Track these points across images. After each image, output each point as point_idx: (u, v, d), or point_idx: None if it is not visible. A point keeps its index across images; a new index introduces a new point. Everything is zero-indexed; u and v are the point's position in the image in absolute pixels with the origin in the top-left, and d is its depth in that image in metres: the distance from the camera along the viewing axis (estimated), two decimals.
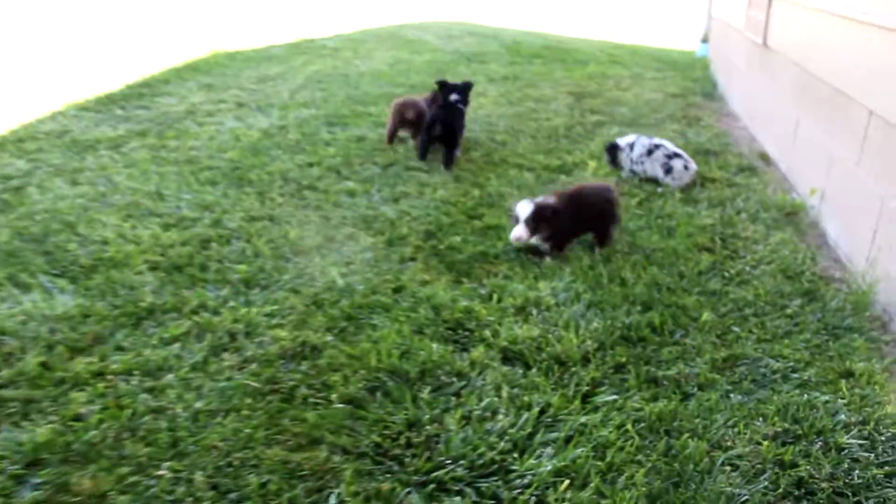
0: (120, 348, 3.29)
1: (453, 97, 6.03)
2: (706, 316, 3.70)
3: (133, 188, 5.23)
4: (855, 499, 2.58)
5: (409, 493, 2.51)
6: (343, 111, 7.67)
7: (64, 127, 6.78)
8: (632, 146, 5.86)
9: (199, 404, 2.91)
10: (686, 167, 5.68)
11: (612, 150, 5.98)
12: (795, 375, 3.27)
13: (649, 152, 5.76)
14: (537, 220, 4.29)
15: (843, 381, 3.22)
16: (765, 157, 6.66)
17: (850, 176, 4.58)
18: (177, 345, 3.32)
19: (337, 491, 2.50)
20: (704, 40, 12.77)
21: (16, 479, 2.51)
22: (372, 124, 7.10)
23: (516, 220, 4.31)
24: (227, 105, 7.85)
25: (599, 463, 2.67)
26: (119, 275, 3.94)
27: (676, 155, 5.73)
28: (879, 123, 4.17)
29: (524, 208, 4.29)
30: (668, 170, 5.68)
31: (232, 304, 3.67)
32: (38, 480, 2.50)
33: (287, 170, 5.74)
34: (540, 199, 4.42)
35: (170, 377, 3.08)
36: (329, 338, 3.40)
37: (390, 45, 12.91)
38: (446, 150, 5.91)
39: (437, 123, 5.89)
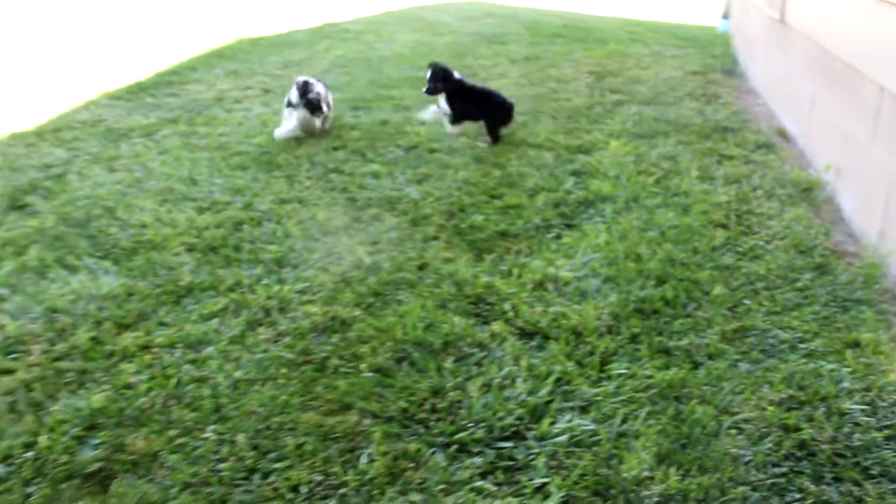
0: (163, 324, 3.53)
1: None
2: (718, 289, 3.85)
3: (167, 174, 5.46)
4: (854, 459, 2.72)
5: (433, 453, 2.71)
6: (367, 95, 7.84)
7: (98, 116, 7.03)
8: None
9: (238, 374, 3.14)
10: None
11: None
12: (803, 345, 3.40)
13: None
14: None
15: (849, 351, 3.35)
16: (783, 134, 6.74)
17: (864, 152, 4.68)
18: (215, 320, 3.55)
19: (368, 451, 2.71)
20: (725, 16, 12.76)
21: (78, 439, 2.75)
22: (395, 107, 7.28)
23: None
24: (254, 91, 8.06)
25: (612, 427, 2.85)
26: (158, 256, 4.16)
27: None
28: (890, 100, 4.27)
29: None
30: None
31: (265, 282, 3.89)
32: (97, 441, 2.74)
33: (314, 154, 5.94)
34: None
35: (210, 349, 3.31)
36: (357, 312, 3.61)
37: (411, 27, 13.05)
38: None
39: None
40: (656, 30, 13.30)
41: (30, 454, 2.69)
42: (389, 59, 9.84)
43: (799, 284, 3.95)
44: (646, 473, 2.62)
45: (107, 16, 13.41)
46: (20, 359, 3.26)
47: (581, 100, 7.78)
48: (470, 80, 6.57)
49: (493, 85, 8.19)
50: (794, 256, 4.25)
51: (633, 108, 7.40)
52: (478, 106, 6.39)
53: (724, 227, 4.64)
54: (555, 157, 5.91)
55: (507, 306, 3.66)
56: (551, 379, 3.10)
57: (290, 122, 6.26)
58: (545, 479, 2.59)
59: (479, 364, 3.23)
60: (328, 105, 6.36)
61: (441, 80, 6.26)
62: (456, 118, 6.39)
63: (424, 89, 6.37)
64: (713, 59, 10.18)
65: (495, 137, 6.30)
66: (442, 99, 6.39)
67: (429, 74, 6.29)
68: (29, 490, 2.54)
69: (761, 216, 4.81)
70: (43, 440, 2.75)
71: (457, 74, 6.34)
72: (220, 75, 8.89)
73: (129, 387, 3.06)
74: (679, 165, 5.74)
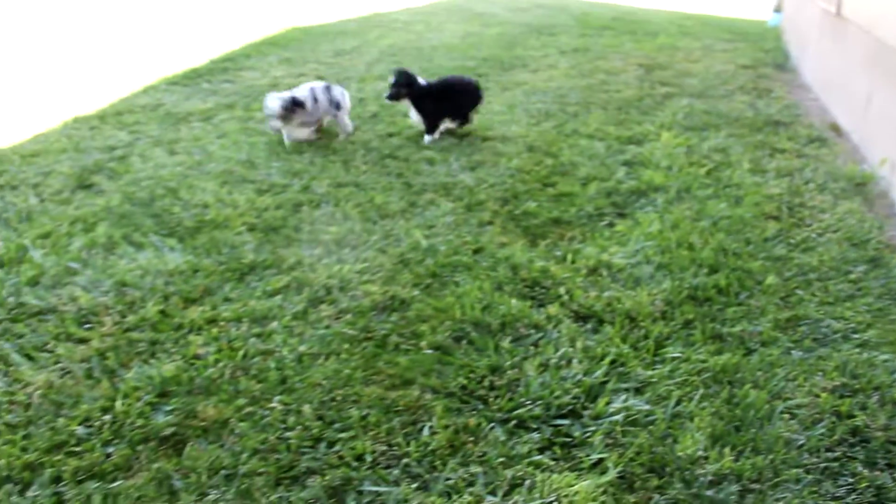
0: (228, 299, 3.66)
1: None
2: (771, 279, 3.87)
3: (226, 156, 5.61)
4: None
5: (492, 427, 2.80)
6: None
7: (158, 101, 7.23)
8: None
9: (302, 348, 3.25)
10: None
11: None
12: (856, 336, 3.42)
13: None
14: None
15: None
16: (836, 129, 6.67)
17: None
18: (278, 297, 3.67)
19: (429, 424, 2.81)
20: (777, 10, 12.60)
21: (151, 405, 2.90)
22: None
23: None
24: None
25: (667, 408, 2.91)
26: (221, 235, 4.30)
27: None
28: None
29: None
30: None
31: (325, 261, 4.01)
32: (170, 407, 2.88)
33: (369, 140, 6.05)
34: None
35: (274, 324, 3.43)
36: (416, 292, 3.71)
37: (460, 18, 13.10)
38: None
39: None
40: (707, 23, 13.18)
41: (107, 417, 2.84)
42: (440, 49, 9.91)
43: (852, 276, 3.95)
44: (700, 453, 2.68)
45: (161, 4, 13.67)
46: (94, 329, 3.42)
47: (631, 91, 7.78)
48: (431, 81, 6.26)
49: (542, 76, 8.26)
50: (847, 249, 4.24)
51: (684, 101, 7.39)
52: (451, 99, 6.16)
53: (776, 218, 4.64)
54: (606, 147, 5.95)
55: (561, 290, 3.72)
56: (606, 361, 3.16)
57: (303, 130, 6.03)
58: (602, 455, 2.66)
59: (535, 345, 3.30)
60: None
61: (405, 85, 5.93)
62: (433, 122, 6.09)
63: (386, 95, 6.07)
64: (764, 54, 10.07)
65: (465, 119, 6.27)
66: (411, 109, 6.10)
67: (392, 79, 5.98)
68: (109, 450, 2.68)
69: (813, 209, 4.80)
70: (119, 405, 2.89)
71: (422, 80, 6.05)
72: (273, 63, 9.06)
73: (197, 357, 3.20)
74: (730, 158, 5.73)
